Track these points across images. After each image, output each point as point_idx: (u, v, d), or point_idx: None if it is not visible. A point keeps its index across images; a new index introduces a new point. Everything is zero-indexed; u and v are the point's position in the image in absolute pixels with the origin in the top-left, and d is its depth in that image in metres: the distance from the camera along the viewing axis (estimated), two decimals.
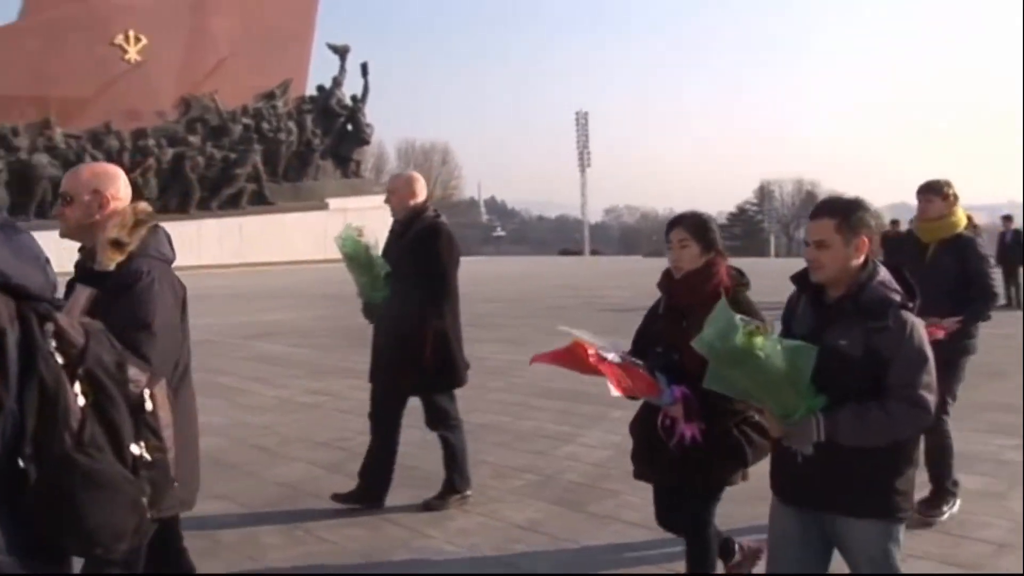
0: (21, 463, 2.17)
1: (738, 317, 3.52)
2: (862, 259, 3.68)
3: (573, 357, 4.13)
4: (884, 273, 3.69)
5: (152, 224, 3.73)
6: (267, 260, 48.27)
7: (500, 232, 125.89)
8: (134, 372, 2.47)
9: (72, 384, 2.27)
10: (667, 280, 4.66)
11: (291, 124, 56.29)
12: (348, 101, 59.15)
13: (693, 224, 4.63)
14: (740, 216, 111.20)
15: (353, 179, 58.41)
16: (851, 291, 3.65)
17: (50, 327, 2.27)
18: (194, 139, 52.74)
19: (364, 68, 58.92)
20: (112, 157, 49.66)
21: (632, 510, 4.38)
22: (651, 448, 4.57)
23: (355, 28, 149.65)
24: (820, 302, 3.76)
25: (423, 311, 6.47)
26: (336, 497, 6.73)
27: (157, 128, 52.43)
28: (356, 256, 6.64)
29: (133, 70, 53.47)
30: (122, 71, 53.23)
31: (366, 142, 61.22)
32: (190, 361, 3.97)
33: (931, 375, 3.55)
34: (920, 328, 3.59)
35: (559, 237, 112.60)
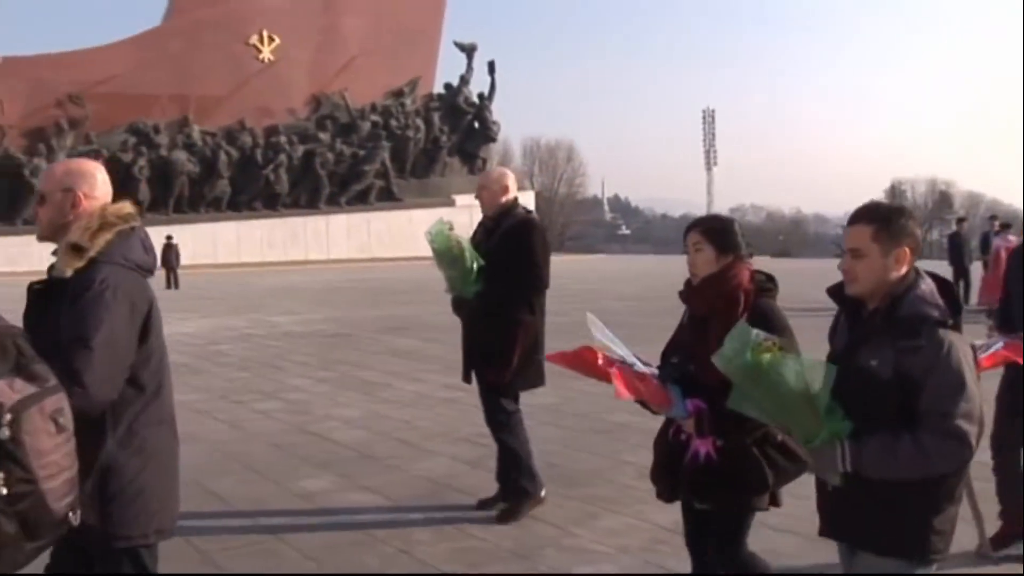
0: None
1: (755, 332, 3.26)
2: (903, 271, 3.30)
3: (582, 360, 3.98)
4: (926, 286, 3.29)
5: (126, 227, 3.39)
6: (393, 256, 48.96)
7: (625, 230, 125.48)
8: None
9: None
10: (687, 287, 4.34)
11: (419, 121, 56.94)
12: (475, 99, 59.55)
13: (708, 227, 4.30)
14: None
15: (479, 176, 58.67)
16: (884, 305, 3.29)
17: None
18: (324, 136, 53.78)
19: (491, 66, 59.27)
20: (245, 153, 51.25)
21: (776, 515, 4.23)
22: (668, 465, 4.26)
23: (482, 26, 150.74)
24: (857, 317, 3.42)
25: (515, 307, 6.39)
26: (482, 504, 6.62)
27: (289, 125, 53.64)
28: (448, 251, 6.46)
29: (267, 69, 54.76)
30: (256, 70, 54.56)
31: (492, 139, 61.54)
32: (165, 380, 3.55)
33: (971, 402, 3.08)
34: (960, 349, 3.16)
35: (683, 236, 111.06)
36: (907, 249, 3.29)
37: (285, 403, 10.74)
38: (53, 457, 2.25)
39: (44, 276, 3.39)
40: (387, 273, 40.04)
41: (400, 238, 49.88)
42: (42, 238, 3.46)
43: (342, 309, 23.07)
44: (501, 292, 6.33)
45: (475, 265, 6.39)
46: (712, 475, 4.04)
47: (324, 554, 5.86)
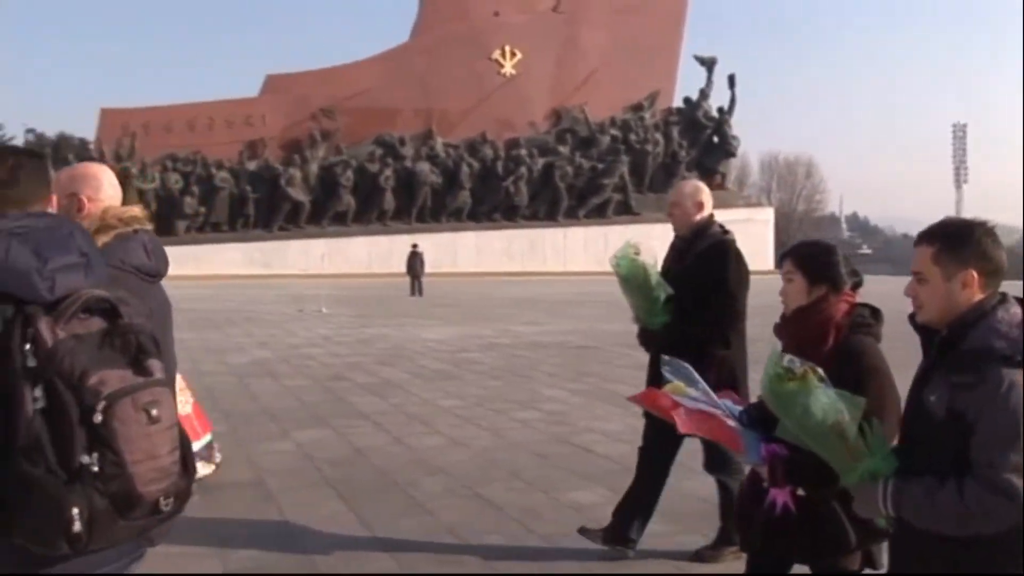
0: None
1: (787, 359, 3.07)
2: (974, 296, 2.90)
3: (651, 401, 3.86)
4: (1008, 315, 2.86)
5: (126, 230, 3.32)
6: None
7: (865, 250, 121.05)
8: (96, 380, 2.34)
9: (34, 387, 2.30)
10: (781, 320, 3.97)
11: (658, 135, 56.76)
12: (715, 113, 58.84)
13: (801, 254, 3.92)
14: None
15: (718, 191, 57.60)
16: (950, 336, 2.90)
17: (30, 330, 2.34)
18: (564, 149, 54.37)
19: (731, 79, 58.37)
20: (486, 166, 52.38)
21: None
22: (748, 514, 3.92)
23: (723, 38, 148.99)
24: (930, 347, 3.02)
25: (706, 339, 5.68)
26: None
27: (529, 139, 54.53)
28: (633, 277, 5.82)
29: (508, 83, 55.84)
30: (498, 84, 55.74)
31: (732, 154, 60.63)
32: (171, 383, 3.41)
33: None
34: (1021, 392, 2.70)
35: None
36: (974, 272, 2.87)
37: (543, 413, 10.70)
38: (141, 445, 2.36)
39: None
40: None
41: None
42: None
43: (585, 321, 23.06)
44: (689, 324, 5.67)
45: (662, 294, 5.78)
46: (787, 528, 3.68)
47: (602, 568, 5.72)
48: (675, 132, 57.57)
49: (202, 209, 49.66)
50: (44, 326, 2.35)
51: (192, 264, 43.59)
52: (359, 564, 5.69)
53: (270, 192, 50.18)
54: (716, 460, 5.96)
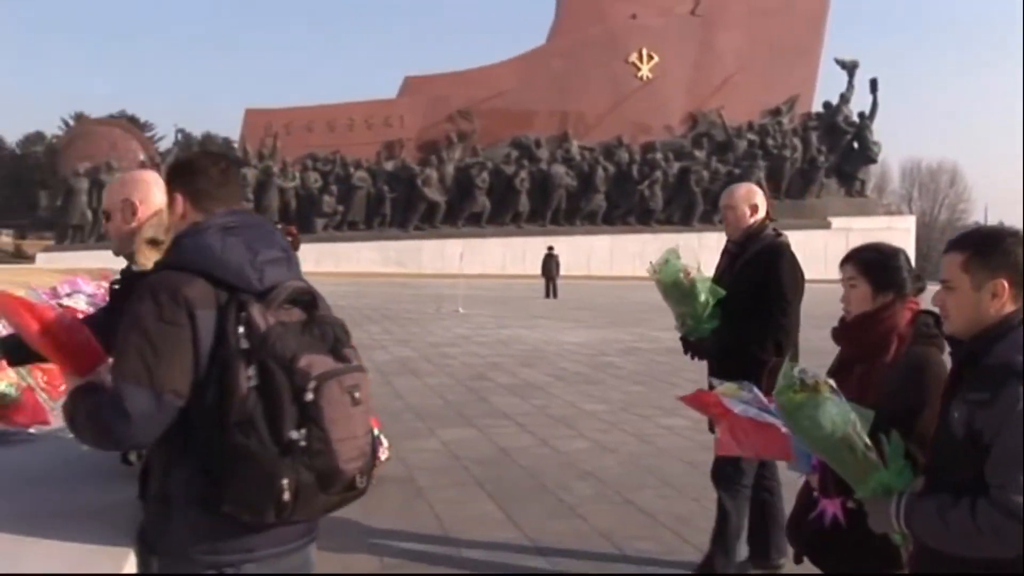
0: (206, 430, 2.48)
1: (799, 370, 3.01)
2: (1005, 307, 2.76)
3: (701, 403, 3.71)
4: None
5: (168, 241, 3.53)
6: None
7: None
8: (305, 362, 2.50)
9: (248, 366, 2.48)
10: (840, 325, 3.81)
11: (796, 141, 55.78)
12: (855, 118, 57.45)
13: (865, 258, 3.74)
14: None
15: (857, 198, 56.64)
16: (973, 348, 2.78)
17: (243, 315, 2.52)
18: (700, 154, 53.88)
19: (873, 84, 56.87)
20: (622, 169, 52.25)
21: None
22: (798, 519, 3.77)
23: (865, 41, 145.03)
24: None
25: (756, 347, 5.39)
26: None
27: (665, 142, 54.21)
28: (675, 285, 5.55)
29: (645, 86, 55.61)
30: (634, 88, 55.54)
31: (872, 160, 59.06)
32: None
33: None
34: None
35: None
36: (1005, 281, 2.74)
37: (689, 421, 10.51)
38: (345, 424, 2.52)
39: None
40: None
41: None
42: (116, 253, 3.66)
43: None
44: (740, 331, 5.42)
45: (709, 299, 5.52)
46: (836, 539, 3.54)
47: None
48: (814, 137, 56.48)
49: (340, 208, 50.73)
50: (256, 312, 2.53)
51: (331, 261, 44.63)
52: (514, 566, 5.69)
53: (406, 192, 50.98)
54: (725, 471, 5.68)
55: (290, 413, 2.46)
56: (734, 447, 3.55)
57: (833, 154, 56.68)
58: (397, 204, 51.20)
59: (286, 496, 2.45)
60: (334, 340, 2.64)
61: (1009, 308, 2.78)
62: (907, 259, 3.78)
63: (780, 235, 5.65)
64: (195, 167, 2.85)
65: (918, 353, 3.49)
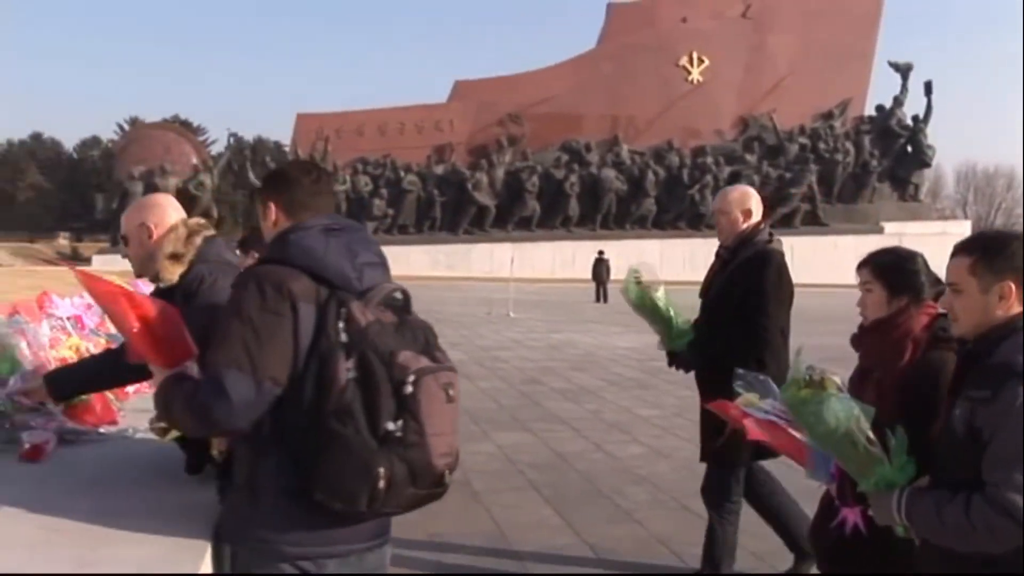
0: (303, 419, 2.56)
1: (806, 366, 3.10)
2: (1012, 310, 2.81)
3: (724, 411, 3.76)
4: None
5: (209, 233, 3.73)
6: (817, 281, 47.65)
7: None
8: (404, 358, 2.58)
9: (347, 359, 2.55)
10: (857, 331, 3.78)
11: (848, 144, 55.21)
12: (909, 121, 56.69)
13: (880, 262, 3.72)
14: None
15: (911, 203, 55.93)
16: (976, 349, 2.84)
17: (343, 310, 2.60)
18: (751, 158, 53.56)
19: (927, 87, 56.01)
20: (672, 173, 52.05)
21: None
22: (819, 528, 3.76)
23: (918, 44, 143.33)
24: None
25: (737, 358, 4.87)
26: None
27: (715, 146, 53.93)
28: (642, 304, 5.54)
29: (695, 90, 55.36)
30: (685, 91, 55.31)
31: (926, 164, 58.25)
32: None
33: None
34: None
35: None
36: (1011, 284, 2.80)
37: None
38: (440, 419, 2.58)
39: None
40: (813, 299, 38.86)
41: (824, 264, 48.34)
42: (138, 275, 3.77)
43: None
44: (720, 343, 5.21)
45: (674, 314, 5.49)
46: (857, 547, 3.53)
47: None
48: (866, 141, 55.83)
49: (390, 211, 50.99)
50: (356, 308, 2.64)
51: None
52: (572, 570, 5.73)
53: (456, 196, 51.15)
54: (713, 487, 5.57)
55: (387, 405, 2.53)
56: (760, 434, 3.53)
57: (886, 158, 55.99)
58: (447, 208, 51.39)
59: (381, 485, 2.50)
60: (425, 342, 2.71)
61: (1016, 310, 2.82)
62: (925, 263, 3.75)
63: (771, 240, 5.40)
64: (288, 177, 2.93)
65: (934, 358, 3.49)
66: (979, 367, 2.79)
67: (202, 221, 3.83)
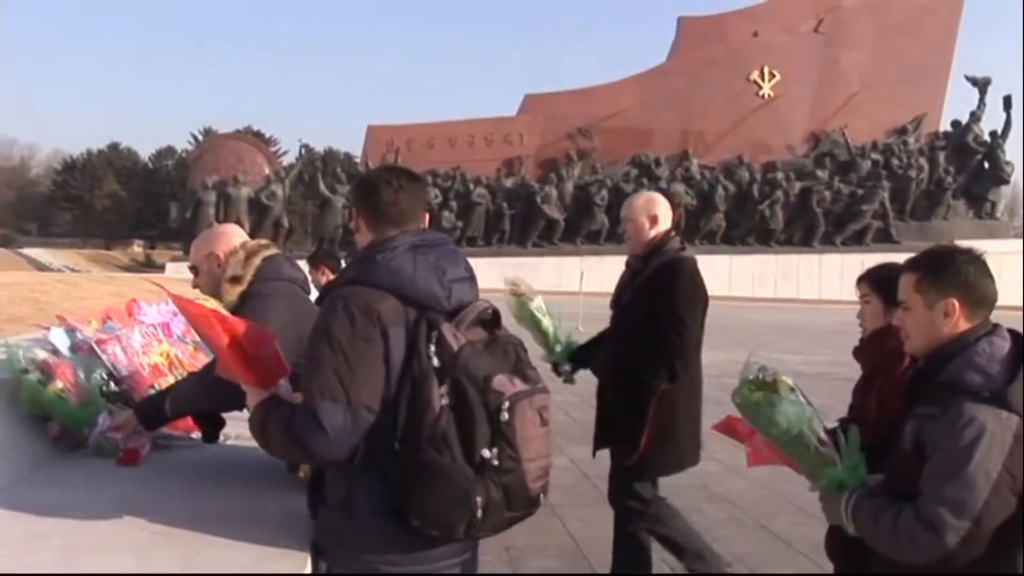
0: (397, 445, 2.57)
1: (759, 367, 3.19)
2: (958, 327, 2.87)
3: (730, 428, 3.71)
4: (991, 348, 2.79)
5: (268, 253, 3.78)
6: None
7: None
8: (499, 383, 2.58)
9: (440, 385, 2.55)
10: (859, 343, 3.92)
11: (922, 161, 54.30)
12: (986, 137, 55.62)
13: (876, 276, 3.84)
14: None
15: (987, 220, 54.87)
16: (927, 367, 2.92)
17: (434, 333, 2.61)
18: (822, 174, 52.92)
19: (1007, 101, 54.85)
20: (742, 188, 51.65)
21: None
22: (835, 534, 3.66)
23: (997, 58, 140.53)
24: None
25: (647, 372, 5.01)
26: None
27: (786, 162, 53.41)
28: (521, 315, 5.59)
29: (766, 105, 54.90)
30: (755, 106, 54.86)
31: (1004, 181, 57.02)
32: None
33: (967, 492, 2.62)
34: (989, 429, 2.63)
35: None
36: (955, 301, 2.86)
37: None
38: (535, 444, 2.60)
39: None
40: None
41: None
42: (206, 292, 3.84)
43: (847, 352, 22.37)
44: (632, 354, 5.06)
45: (550, 325, 5.56)
46: (869, 548, 3.40)
47: None
48: (941, 157, 54.83)
49: (459, 223, 51.18)
50: (447, 331, 2.64)
51: None
52: None
53: (525, 209, 51.25)
54: (628, 507, 5.39)
55: (483, 431, 2.55)
56: (763, 458, 3.54)
57: (962, 175, 54.95)
58: (516, 221, 51.50)
59: (479, 513, 2.52)
60: (516, 359, 2.73)
61: (963, 326, 2.90)
62: None
63: (683, 249, 5.30)
64: (372, 185, 2.90)
65: None
66: (929, 385, 2.86)
67: (263, 241, 3.93)
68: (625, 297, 5.30)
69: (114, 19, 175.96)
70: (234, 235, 3.88)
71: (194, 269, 3.87)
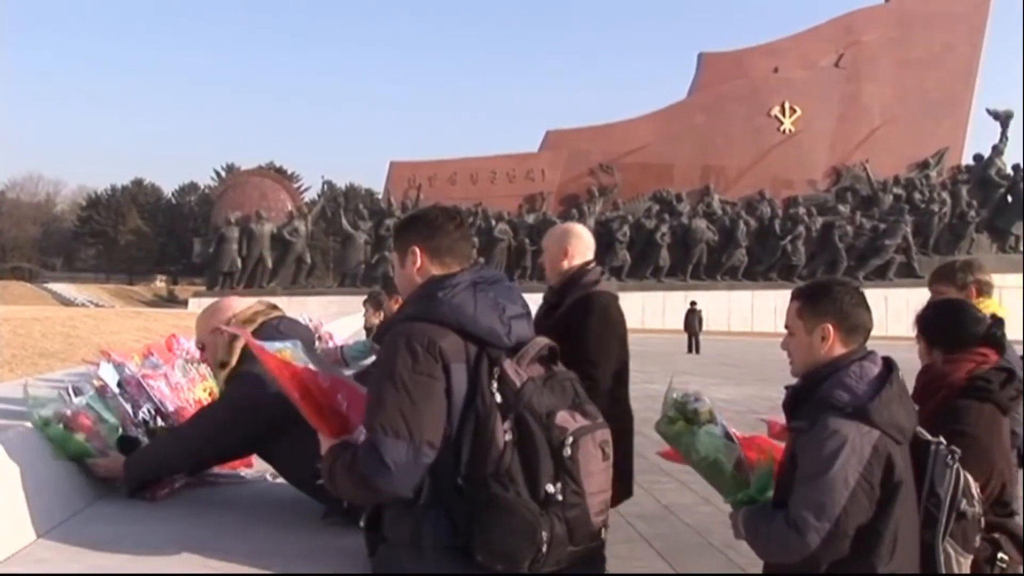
0: (460, 480, 2.58)
1: (679, 396, 3.49)
2: (835, 350, 3.12)
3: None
4: (860, 370, 3.04)
5: (253, 327, 3.65)
6: (907, 334, 46.74)
7: None
8: (561, 418, 2.60)
9: (504, 421, 2.57)
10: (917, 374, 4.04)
11: (944, 195, 54.23)
12: (1009, 170, 55.50)
13: (925, 316, 4.10)
14: None
15: (1011, 254, 54.58)
16: (803, 385, 3.18)
17: (496, 370, 2.62)
18: (843, 208, 52.91)
19: None
20: (763, 224, 51.62)
21: None
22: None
23: (1019, 91, 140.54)
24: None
25: None
26: None
27: (808, 197, 53.43)
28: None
29: (787, 140, 54.98)
30: (777, 141, 54.97)
31: None
32: None
33: (827, 496, 2.86)
34: (844, 439, 2.89)
35: None
36: (830, 326, 3.11)
37: None
38: (597, 478, 2.62)
39: None
40: (908, 352, 38.12)
41: None
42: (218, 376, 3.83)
43: None
44: None
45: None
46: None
47: None
48: (964, 191, 54.74)
49: (481, 260, 51.14)
50: (509, 367, 2.66)
51: None
52: None
53: None
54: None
55: (546, 467, 2.56)
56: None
57: (985, 208, 54.83)
58: (538, 256, 51.52)
59: (544, 548, 2.52)
60: (574, 394, 2.76)
61: (838, 351, 3.12)
62: (975, 315, 4.01)
63: (598, 282, 5.03)
64: (435, 223, 2.92)
65: (956, 406, 3.72)
66: (804, 402, 3.10)
67: (259, 308, 3.85)
68: (542, 331, 5.08)
69: (138, 57, 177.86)
70: (238, 308, 3.87)
71: (200, 345, 3.87)
